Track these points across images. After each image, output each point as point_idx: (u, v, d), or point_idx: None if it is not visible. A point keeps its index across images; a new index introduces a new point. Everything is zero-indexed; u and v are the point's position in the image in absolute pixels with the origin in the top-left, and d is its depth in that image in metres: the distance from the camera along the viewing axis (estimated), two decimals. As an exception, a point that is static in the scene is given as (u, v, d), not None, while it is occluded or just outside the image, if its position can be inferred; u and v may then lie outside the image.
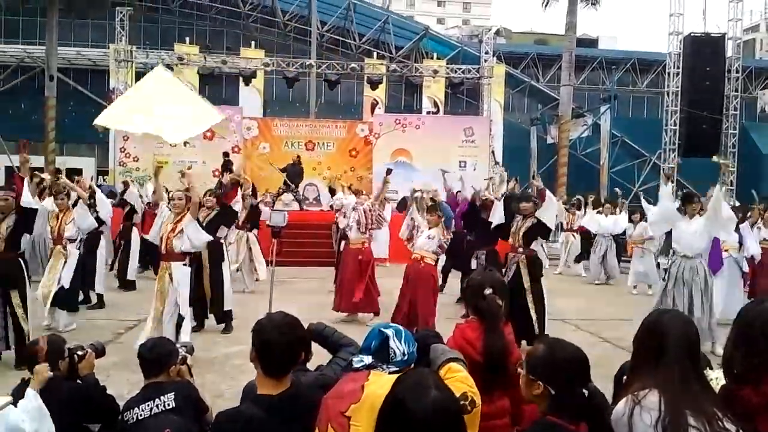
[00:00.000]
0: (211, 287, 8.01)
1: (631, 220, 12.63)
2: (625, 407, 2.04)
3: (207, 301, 7.99)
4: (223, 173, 16.85)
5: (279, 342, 2.34)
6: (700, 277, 7.22)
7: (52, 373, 3.06)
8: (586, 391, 2.06)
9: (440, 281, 10.90)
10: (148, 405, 2.99)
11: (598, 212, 13.76)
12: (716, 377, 2.34)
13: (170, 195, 7.17)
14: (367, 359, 2.21)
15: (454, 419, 1.76)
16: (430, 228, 7.65)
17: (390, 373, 2.16)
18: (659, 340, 2.09)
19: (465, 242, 10.42)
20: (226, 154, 18.00)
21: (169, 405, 2.99)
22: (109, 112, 7.03)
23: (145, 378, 3.19)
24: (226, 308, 8.05)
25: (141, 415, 2.98)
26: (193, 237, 6.46)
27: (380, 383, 2.05)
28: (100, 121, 6.74)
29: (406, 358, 2.24)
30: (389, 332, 2.25)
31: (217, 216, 8.06)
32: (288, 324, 2.42)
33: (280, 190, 17.61)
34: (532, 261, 7.36)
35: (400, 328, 2.31)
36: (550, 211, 7.45)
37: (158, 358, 3.19)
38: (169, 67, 23.59)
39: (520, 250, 7.34)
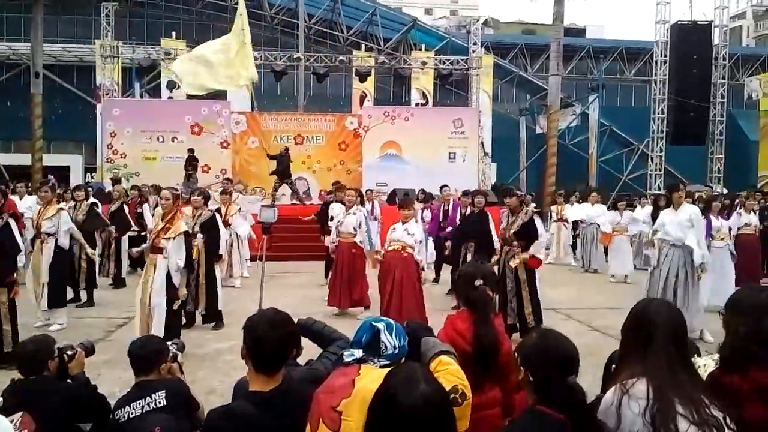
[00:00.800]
0: (206, 286, 8.01)
1: (616, 208, 12.73)
2: (614, 397, 2.05)
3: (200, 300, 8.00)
4: (187, 169, 16.85)
5: (270, 339, 2.34)
6: (688, 264, 7.25)
7: None
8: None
9: (433, 275, 10.99)
10: (139, 403, 2.98)
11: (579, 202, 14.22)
12: (704, 364, 2.35)
13: (160, 194, 7.14)
14: (358, 353, 2.20)
15: (444, 412, 1.77)
16: (405, 222, 7.57)
17: (381, 366, 2.16)
18: (647, 329, 2.11)
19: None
20: (191, 150, 17.88)
21: (160, 403, 2.99)
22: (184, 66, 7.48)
23: (136, 376, 3.18)
24: (219, 308, 8.05)
25: (132, 414, 2.97)
26: (172, 255, 6.42)
27: (371, 377, 2.06)
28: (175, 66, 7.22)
29: (397, 351, 2.24)
30: (380, 326, 2.24)
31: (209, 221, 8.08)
32: (279, 320, 2.42)
33: (276, 185, 17.56)
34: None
35: (392, 321, 2.31)
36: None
37: (148, 356, 3.18)
38: (155, 62, 23.53)
39: (515, 244, 7.34)
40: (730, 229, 9.39)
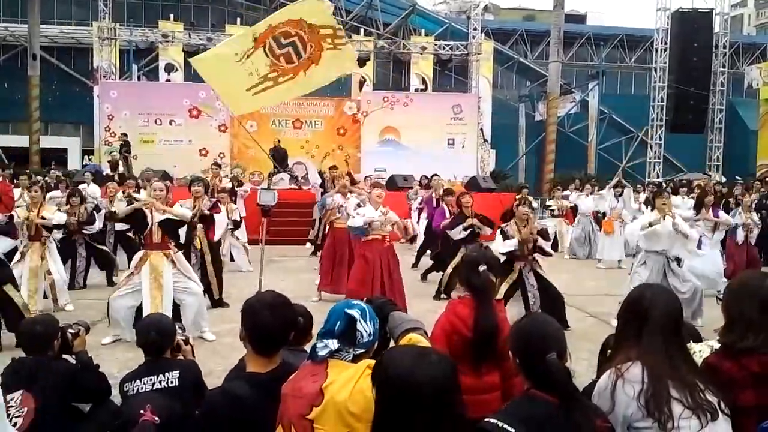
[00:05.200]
0: (215, 273, 8.06)
1: (614, 195, 12.63)
2: (608, 380, 2.07)
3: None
4: (121, 154, 16.73)
5: (268, 321, 2.35)
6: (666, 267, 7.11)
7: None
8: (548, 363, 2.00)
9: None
10: (151, 380, 3.02)
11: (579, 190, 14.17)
12: (699, 350, 2.37)
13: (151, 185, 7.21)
14: (333, 344, 2.10)
15: (452, 382, 1.79)
16: (377, 207, 7.21)
17: (354, 356, 2.10)
18: (643, 313, 2.12)
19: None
20: (124, 135, 17.62)
21: (172, 383, 3.01)
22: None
23: (148, 355, 3.18)
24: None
25: (141, 388, 3.00)
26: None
27: (340, 382, 2.01)
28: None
29: (372, 338, 2.17)
30: (355, 314, 2.14)
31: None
32: (278, 303, 2.43)
33: (273, 172, 17.50)
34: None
35: (364, 306, 2.22)
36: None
37: (159, 336, 3.19)
38: (153, 44, 23.37)
39: (530, 257, 7.05)
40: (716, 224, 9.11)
